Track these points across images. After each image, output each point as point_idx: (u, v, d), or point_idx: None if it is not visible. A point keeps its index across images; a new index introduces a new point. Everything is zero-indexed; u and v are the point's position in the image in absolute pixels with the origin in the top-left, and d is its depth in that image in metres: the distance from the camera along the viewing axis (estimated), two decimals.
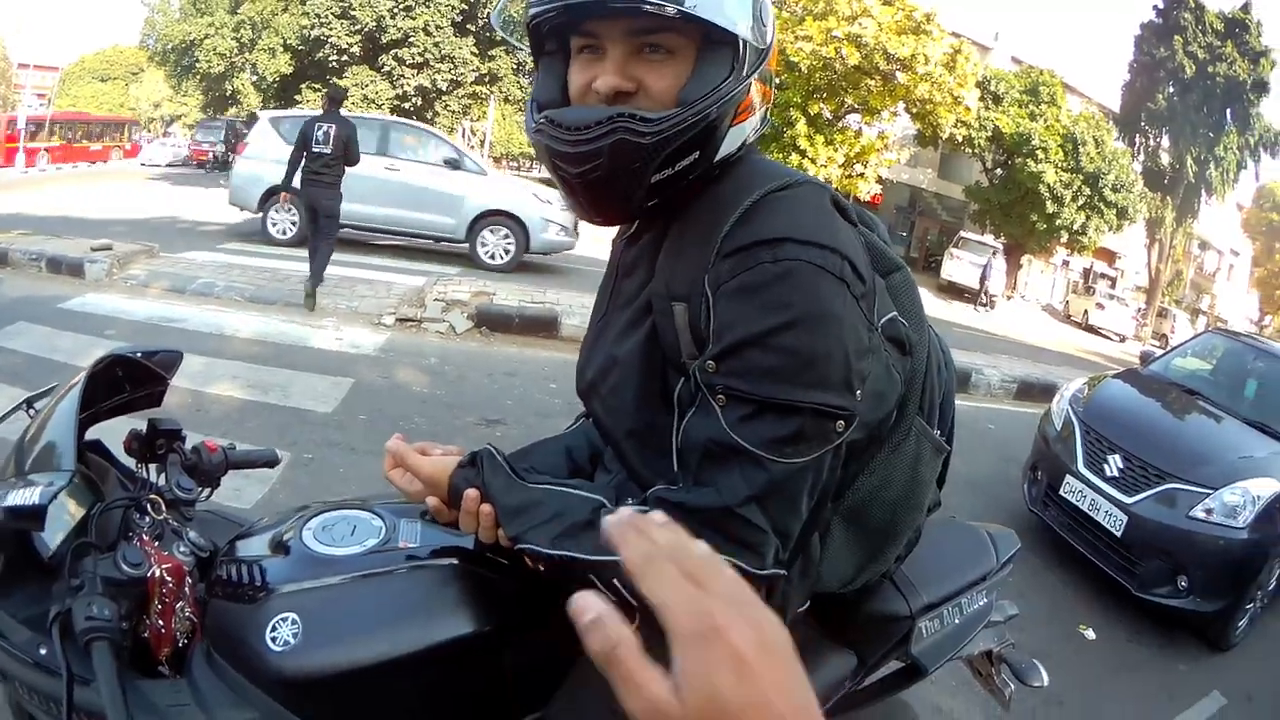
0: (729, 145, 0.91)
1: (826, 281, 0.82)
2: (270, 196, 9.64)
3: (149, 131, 53.40)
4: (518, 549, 0.91)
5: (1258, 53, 25.30)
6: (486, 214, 9.95)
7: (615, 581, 0.82)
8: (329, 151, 6.96)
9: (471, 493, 0.96)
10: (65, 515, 0.96)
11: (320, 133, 6.95)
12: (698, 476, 0.85)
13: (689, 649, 0.41)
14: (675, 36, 0.86)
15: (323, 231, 7.15)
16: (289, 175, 7.23)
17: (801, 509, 0.85)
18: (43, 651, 0.95)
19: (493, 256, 10.00)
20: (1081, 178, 23.23)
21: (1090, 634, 3.37)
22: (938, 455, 1.05)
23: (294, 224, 9.74)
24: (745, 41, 0.87)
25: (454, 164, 10.14)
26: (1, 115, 24.32)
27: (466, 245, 10.02)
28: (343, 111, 7.49)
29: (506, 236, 10.00)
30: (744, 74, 0.88)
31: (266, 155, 9.53)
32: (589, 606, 0.43)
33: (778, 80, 1.06)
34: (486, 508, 0.95)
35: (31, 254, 7.46)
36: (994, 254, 23.26)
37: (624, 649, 0.42)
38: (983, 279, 22.77)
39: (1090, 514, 3.79)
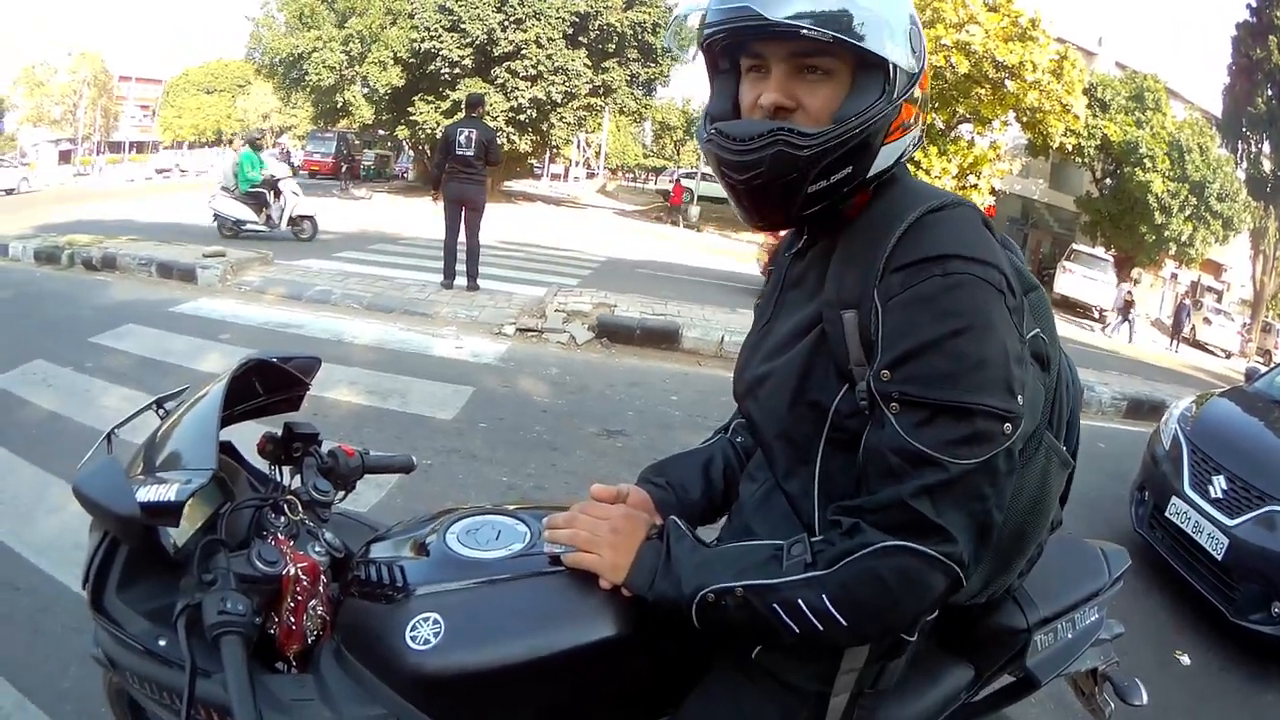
0: (883, 161, 0.98)
1: (990, 294, 0.88)
2: None
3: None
4: (700, 600, 0.94)
5: None
6: None
7: (800, 603, 0.89)
8: (472, 153, 7.53)
9: None
10: (194, 513, 0.99)
11: (462, 137, 7.53)
12: (874, 486, 0.90)
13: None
14: (832, 60, 0.93)
15: (473, 227, 7.87)
16: (436, 177, 7.90)
17: (977, 510, 0.87)
18: (162, 643, 0.98)
19: None
20: (1188, 187, 22.22)
21: (1185, 660, 3.26)
22: (1064, 470, 1.08)
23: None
24: (896, 66, 0.94)
25: None
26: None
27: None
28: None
29: None
30: (894, 96, 0.95)
31: None
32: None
33: None
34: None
35: (141, 259, 7.53)
36: (1107, 268, 21.97)
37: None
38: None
39: (1194, 536, 3.63)
